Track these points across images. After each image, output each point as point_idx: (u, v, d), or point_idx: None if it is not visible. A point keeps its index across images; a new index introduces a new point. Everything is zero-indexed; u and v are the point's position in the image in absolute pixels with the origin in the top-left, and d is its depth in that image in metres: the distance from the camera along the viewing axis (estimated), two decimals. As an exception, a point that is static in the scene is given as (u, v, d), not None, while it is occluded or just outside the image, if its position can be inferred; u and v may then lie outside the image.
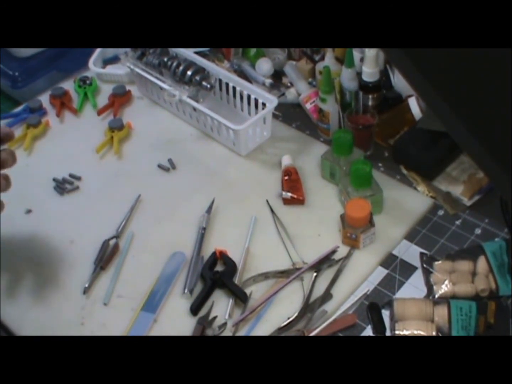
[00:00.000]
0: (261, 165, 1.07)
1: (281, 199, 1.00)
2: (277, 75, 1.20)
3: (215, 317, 0.85)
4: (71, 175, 1.08)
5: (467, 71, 0.51)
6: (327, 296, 0.86)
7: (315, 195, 1.00)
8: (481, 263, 0.85)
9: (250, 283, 0.89)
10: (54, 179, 1.07)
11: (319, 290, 0.87)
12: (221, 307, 0.86)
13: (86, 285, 0.90)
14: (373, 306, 0.84)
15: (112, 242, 0.96)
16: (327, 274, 0.89)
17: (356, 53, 1.08)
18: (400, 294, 0.86)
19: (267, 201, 1.00)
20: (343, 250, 0.92)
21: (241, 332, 0.84)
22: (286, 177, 1.01)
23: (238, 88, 1.11)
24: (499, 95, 0.50)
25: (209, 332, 0.83)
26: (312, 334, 0.81)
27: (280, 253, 0.92)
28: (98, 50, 1.30)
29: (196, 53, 1.17)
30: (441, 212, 0.96)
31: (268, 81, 1.17)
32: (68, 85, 1.27)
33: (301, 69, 1.17)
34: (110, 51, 1.31)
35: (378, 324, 0.82)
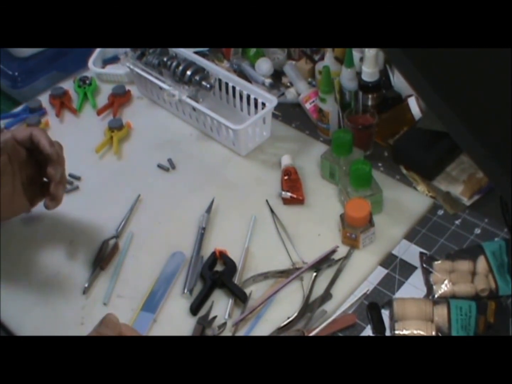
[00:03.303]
0: (260, 165, 1.07)
1: (281, 199, 1.00)
2: (277, 75, 1.20)
3: (214, 317, 0.85)
4: (70, 175, 1.08)
5: (466, 71, 0.51)
6: (327, 296, 0.86)
7: (314, 195, 1.00)
8: (481, 263, 0.85)
9: (250, 283, 0.89)
10: (54, 179, 1.07)
11: (318, 290, 0.87)
12: (220, 307, 0.86)
13: (86, 285, 0.90)
14: (373, 306, 0.84)
15: (111, 242, 0.96)
16: (327, 274, 0.89)
17: (355, 53, 1.08)
18: (400, 294, 0.86)
19: (266, 201, 1.00)
20: (342, 250, 0.92)
21: (241, 332, 0.84)
22: (285, 177, 1.01)
23: (237, 88, 1.11)
24: (499, 95, 0.50)
25: (209, 332, 0.83)
26: (312, 334, 0.81)
27: (280, 253, 0.92)
28: (97, 50, 1.30)
29: (196, 53, 1.17)
30: (440, 212, 0.96)
31: (268, 81, 1.17)
32: (68, 85, 1.27)
33: (301, 69, 1.17)
34: (110, 51, 1.31)
35: (378, 324, 0.82)
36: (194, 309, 0.86)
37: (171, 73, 1.11)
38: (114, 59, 1.29)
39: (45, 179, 0.95)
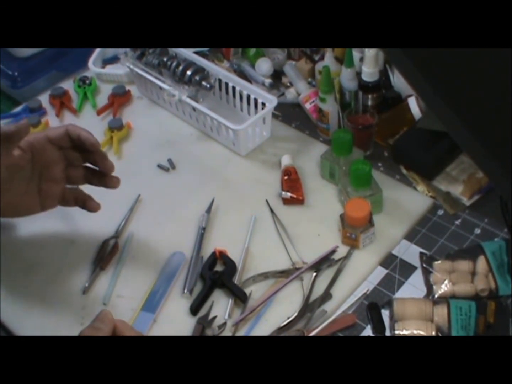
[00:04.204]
0: (260, 165, 1.07)
1: (281, 199, 1.00)
2: (277, 75, 1.20)
3: (214, 317, 0.85)
4: (70, 175, 1.08)
5: (467, 71, 0.51)
6: (326, 296, 0.86)
7: (314, 195, 1.00)
8: (481, 263, 0.85)
9: (249, 283, 0.89)
10: (54, 179, 1.07)
11: (318, 290, 0.87)
12: (220, 307, 0.86)
13: (86, 285, 0.90)
14: (373, 306, 0.84)
15: (111, 242, 0.96)
16: (327, 274, 0.89)
17: (355, 53, 1.08)
18: (400, 294, 0.86)
19: (266, 201, 1.00)
20: (342, 250, 0.92)
21: (241, 332, 0.84)
22: (285, 177, 1.01)
23: (237, 88, 1.11)
24: (499, 95, 0.50)
25: (209, 332, 0.83)
26: (312, 334, 0.81)
27: (280, 253, 0.92)
28: (97, 50, 1.30)
29: (196, 53, 1.17)
30: (440, 212, 0.96)
31: (268, 81, 1.17)
32: (68, 85, 1.27)
33: (301, 69, 1.17)
34: (110, 51, 1.31)
35: (378, 324, 0.82)
36: (194, 309, 0.86)
37: (171, 73, 1.11)
38: (114, 59, 1.29)
39: (68, 185, 0.94)
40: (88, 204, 0.93)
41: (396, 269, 0.89)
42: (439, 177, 1.00)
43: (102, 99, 1.24)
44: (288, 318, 0.83)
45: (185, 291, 0.88)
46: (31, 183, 0.89)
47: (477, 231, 0.92)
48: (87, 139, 0.88)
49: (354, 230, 0.89)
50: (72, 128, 0.90)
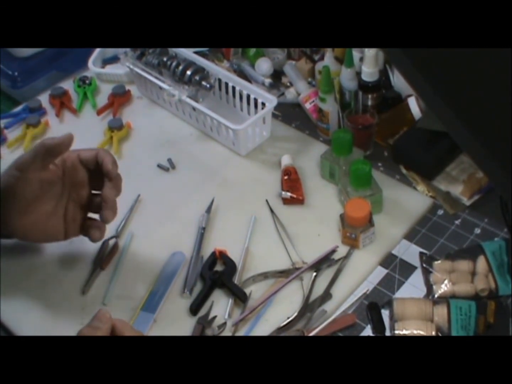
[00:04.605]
0: (260, 165, 1.07)
1: (281, 199, 1.00)
2: (277, 75, 1.20)
3: (214, 317, 0.85)
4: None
5: (467, 71, 0.51)
6: (326, 296, 0.86)
7: (314, 195, 1.00)
8: (481, 262, 0.85)
9: (249, 283, 0.89)
10: (54, 179, 1.07)
11: (318, 290, 0.87)
12: (220, 307, 0.86)
13: (86, 285, 0.90)
14: (373, 305, 0.84)
15: (111, 242, 0.96)
16: (327, 274, 0.89)
17: (355, 53, 1.08)
18: (400, 293, 0.86)
19: (266, 201, 1.00)
20: (342, 250, 0.92)
21: (241, 332, 0.84)
22: (285, 177, 1.01)
23: (237, 88, 1.11)
24: (499, 95, 0.50)
25: (209, 332, 0.83)
26: (312, 334, 0.81)
27: (280, 253, 0.92)
28: (97, 50, 1.30)
29: (196, 53, 1.17)
30: (440, 212, 0.96)
31: (268, 80, 1.17)
32: (68, 85, 1.27)
33: (301, 68, 1.17)
34: (110, 51, 1.31)
35: (378, 324, 0.82)
36: (194, 309, 0.86)
37: (171, 73, 1.11)
38: (114, 59, 1.29)
39: (89, 215, 0.92)
40: (92, 233, 0.90)
41: (396, 269, 0.89)
42: (439, 177, 1.01)
43: (102, 99, 1.24)
44: (288, 318, 0.83)
45: (185, 291, 0.88)
46: (59, 203, 0.87)
47: (477, 231, 0.92)
48: (106, 166, 0.86)
49: (354, 230, 0.89)
50: (102, 153, 0.88)
